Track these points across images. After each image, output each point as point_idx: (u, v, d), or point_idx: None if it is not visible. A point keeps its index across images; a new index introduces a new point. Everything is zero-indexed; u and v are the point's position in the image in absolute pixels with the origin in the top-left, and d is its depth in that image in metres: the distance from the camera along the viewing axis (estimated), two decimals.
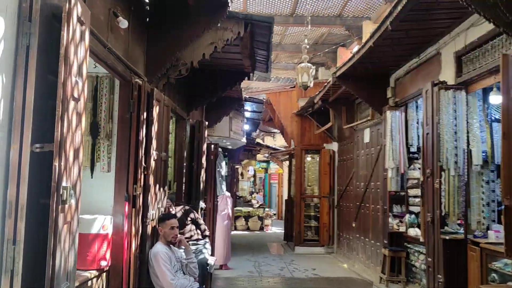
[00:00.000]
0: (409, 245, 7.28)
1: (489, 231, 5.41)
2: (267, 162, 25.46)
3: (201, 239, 6.22)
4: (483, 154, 5.85)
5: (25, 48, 2.28)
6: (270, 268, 9.63)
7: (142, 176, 4.40)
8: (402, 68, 7.50)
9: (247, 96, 10.88)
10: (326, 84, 9.36)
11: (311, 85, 8.85)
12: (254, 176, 26.40)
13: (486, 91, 5.78)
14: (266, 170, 27.05)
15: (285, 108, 12.57)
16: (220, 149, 9.73)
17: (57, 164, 2.26)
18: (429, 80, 6.09)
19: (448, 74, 5.99)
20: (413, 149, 7.48)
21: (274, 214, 21.98)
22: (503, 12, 3.73)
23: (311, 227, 12.41)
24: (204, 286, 5.76)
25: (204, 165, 7.65)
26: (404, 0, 5.04)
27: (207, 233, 6.39)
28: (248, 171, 25.17)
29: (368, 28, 9.40)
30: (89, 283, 3.75)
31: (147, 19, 4.78)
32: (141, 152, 4.37)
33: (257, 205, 18.58)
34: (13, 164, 2.22)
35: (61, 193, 2.29)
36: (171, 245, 4.77)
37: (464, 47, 5.62)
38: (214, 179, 8.87)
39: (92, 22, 3.27)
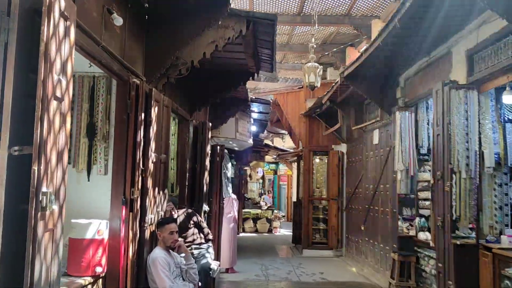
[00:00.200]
0: (419, 250, 7.08)
1: (502, 236, 5.25)
2: (276, 163, 25.32)
3: (204, 243, 6.08)
4: (496, 156, 5.65)
5: (3, 45, 2.15)
6: (277, 272, 9.47)
7: (140, 179, 4.26)
8: (412, 68, 7.31)
9: (253, 97, 10.71)
10: (333, 84, 9.19)
11: (318, 85, 8.71)
12: (263, 177, 26.25)
13: (499, 91, 5.57)
14: (275, 171, 26.90)
15: (293, 109, 12.43)
16: (226, 151, 9.59)
17: (36, 168, 2.12)
18: (439, 79, 5.93)
19: (459, 73, 5.81)
20: (423, 150, 7.31)
21: (283, 216, 21.82)
22: None
23: (319, 229, 12.24)
24: None
25: (208, 167, 7.50)
26: None
27: (210, 237, 6.24)
28: (257, 172, 25.01)
29: (377, 27, 9.20)
30: None
31: (146, 17, 4.64)
32: (139, 154, 4.23)
33: (266, 207, 18.43)
34: None
35: (40, 199, 2.14)
36: (170, 250, 4.62)
37: (476, 45, 5.43)
38: (219, 181, 8.73)
39: (84, 19, 3.15)
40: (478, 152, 5.42)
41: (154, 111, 4.55)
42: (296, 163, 16.31)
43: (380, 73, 7.80)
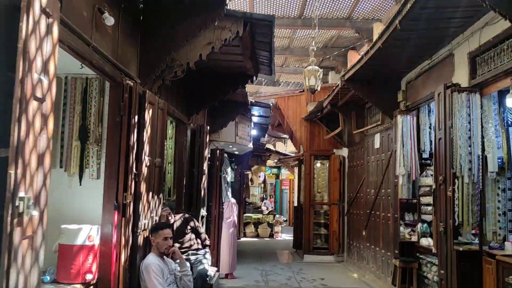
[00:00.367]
0: (421, 256, 6.94)
1: (505, 243, 5.11)
2: (278, 168, 25.16)
3: (201, 249, 5.97)
4: (499, 160, 5.52)
5: None
6: (278, 278, 9.32)
7: (133, 183, 4.16)
8: (414, 71, 7.20)
9: (253, 101, 10.61)
10: (334, 87, 9.08)
11: (319, 88, 8.60)
12: (265, 182, 26.09)
13: (502, 94, 5.45)
14: (277, 176, 26.75)
15: (293, 112, 12.32)
16: (225, 155, 9.48)
17: (12, 172, 2.00)
18: (441, 82, 5.82)
19: (461, 76, 5.70)
20: (425, 155, 7.21)
21: (285, 221, 21.65)
22: None
23: (320, 235, 12.09)
24: None
25: (206, 171, 7.39)
26: None
27: (207, 242, 6.13)
28: (259, 177, 24.85)
29: (378, 30, 9.07)
30: None
31: (141, 17, 4.54)
32: (132, 157, 4.13)
33: (267, 212, 18.29)
34: None
35: (17, 204, 2.03)
36: (164, 257, 4.50)
37: (478, 48, 5.32)
38: (219, 185, 8.62)
39: (73, 18, 3.06)
40: (481, 157, 5.31)
41: (148, 114, 4.45)
42: (297, 168, 16.17)
43: (381, 76, 7.69)
